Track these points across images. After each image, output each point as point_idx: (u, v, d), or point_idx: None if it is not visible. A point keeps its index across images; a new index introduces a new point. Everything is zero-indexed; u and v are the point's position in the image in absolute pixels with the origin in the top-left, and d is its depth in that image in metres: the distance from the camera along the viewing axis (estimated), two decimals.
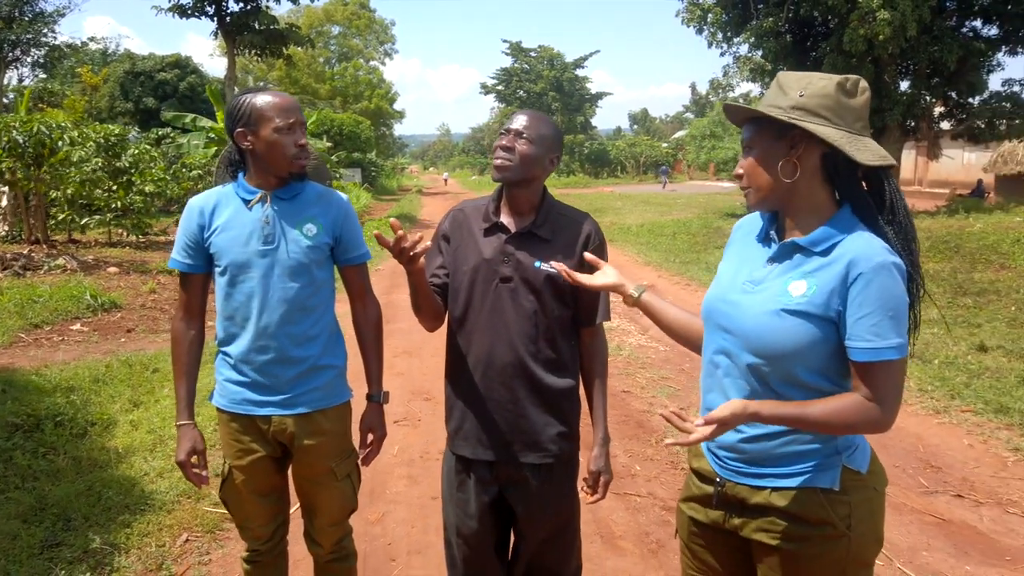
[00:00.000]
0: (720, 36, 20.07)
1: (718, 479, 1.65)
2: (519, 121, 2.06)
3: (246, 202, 2.10)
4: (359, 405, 2.31)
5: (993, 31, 18.86)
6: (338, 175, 23.08)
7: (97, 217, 13.41)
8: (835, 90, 1.48)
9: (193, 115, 22.10)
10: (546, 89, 47.64)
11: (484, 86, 53.30)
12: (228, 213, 2.10)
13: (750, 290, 1.58)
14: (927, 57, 17.98)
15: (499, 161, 2.04)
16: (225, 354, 2.15)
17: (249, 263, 2.07)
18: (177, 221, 16.04)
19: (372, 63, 53.63)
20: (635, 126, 67.06)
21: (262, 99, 2.04)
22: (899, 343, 1.41)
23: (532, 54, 49.80)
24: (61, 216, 12.29)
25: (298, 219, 2.11)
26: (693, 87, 59.72)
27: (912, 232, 1.51)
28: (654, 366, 6.35)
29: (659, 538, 3.44)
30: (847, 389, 1.50)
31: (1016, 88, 19.38)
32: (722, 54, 21.07)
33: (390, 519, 3.62)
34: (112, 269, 10.54)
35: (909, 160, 30.01)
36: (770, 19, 18.62)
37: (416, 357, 6.36)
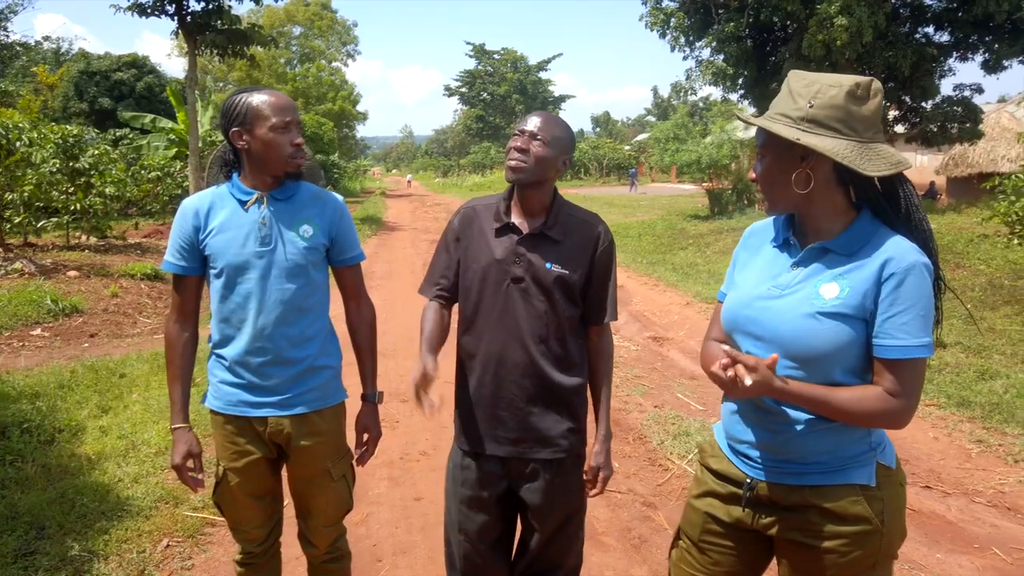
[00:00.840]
0: (683, 40, 20.32)
1: (749, 479, 1.64)
2: (533, 123, 2.06)
3: (242, 203, 2.08)
4: (352, 405, 2.32)
5: (945, 37, 19.45)
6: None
7: (55, 220, 13.06)
8: (845, 99, 1.47)
9: (153, 116, 21.72)
10: (510, 91, 47.77)
11: (447, 88, 53.22)
12: (224, 214, 2.08)
13: (778, 295, 1.58)
14: (883, 62, 18.47)
15: (513, 162, 2.05)
16: (220, 356, 2.13)
17: (246, 264, 2.06)
18: (136, 225, 15.70)
19: (335, 64, 53.11)
20: (597, 129, 67.62)
21: (258, 98, 2.02)
22: (928, 342, 1.45)
23: (496, 56, 49.88)
24: (17, 219, 11.94)
25: (294, 220, 2.11)
26: (655, 90, 60.41)
27: (929, 232, 1.53)
28: (627, 365, 6.41)
29: (641, 533, 3.49)
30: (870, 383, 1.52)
31: (967, 93, 20.00)
32: (685, 58, 21.40)
33: (374, 520, 3.60)
34: (72, 273, 10.28)
35: None
36: (731, 24, 18.94)
37: (391, 358, 6.34)
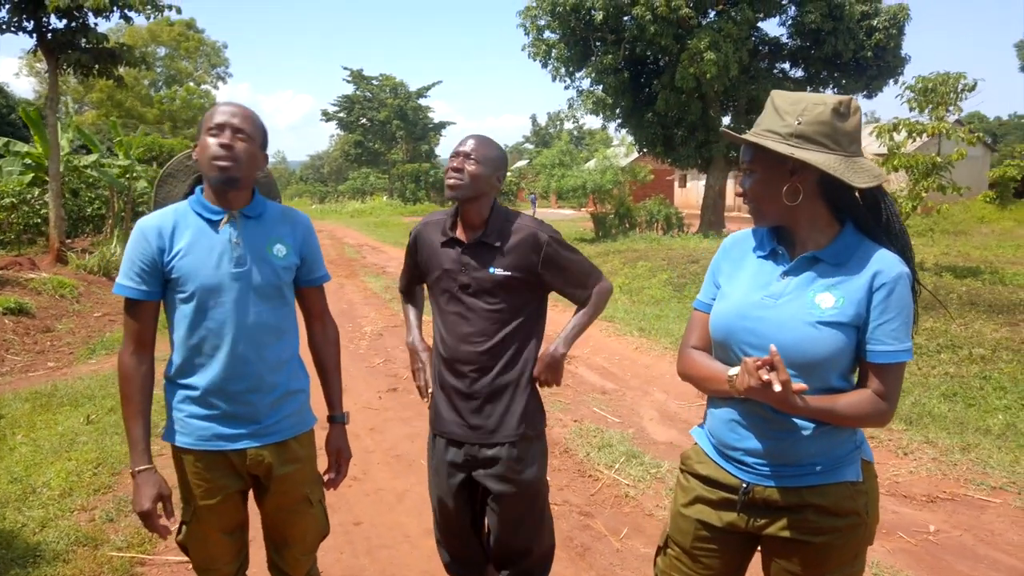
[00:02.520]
0: (563, 71, 21.11)
1: (745, 484, 1.71)
2: (468, 144, 2.33)
3: (209, 221, 1.98)
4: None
5: (799, 73, 21.22)
6: (164, 204, 21.71)
7: None
8: (831, 116, 1.58)
9: (5, 139, 20.05)
10: (390, 117, 47.53)
11: (325, 113, 52.24)
12: (190, 234, 1.97)
13: (772, 304, 1.65)
14: (746, 95, 19.92)
15: (451, 181, 2.30)
16: (188, 387, 2.00)
17: (220, 287, 1.95)
18: None
19: (204, 87, 51.11)
20: None
21: (214, 108, 1.99)
22: (910, 346, 1.60)
23: (374, 82, 49.58)
24: None
25: (267, 239, 2.05)
26: (534, 119, 61.91)
27: (908, 241, 1.67)
28: None
29: (583, 542, 3.58)
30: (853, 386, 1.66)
31: None
32: (566, 88, 22.19)
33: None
34: None
35: (730, 188, 32.79)
36: (609, 56, 19.86)
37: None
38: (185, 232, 1.97)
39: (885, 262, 1.60)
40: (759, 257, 1.76)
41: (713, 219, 21.96)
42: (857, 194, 1.67)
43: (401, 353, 7.56)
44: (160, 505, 1.98)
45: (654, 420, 5.41)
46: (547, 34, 20.71)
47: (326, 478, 2.27)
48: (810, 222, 1.67)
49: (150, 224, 1.98)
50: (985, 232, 19.82)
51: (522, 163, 57.42)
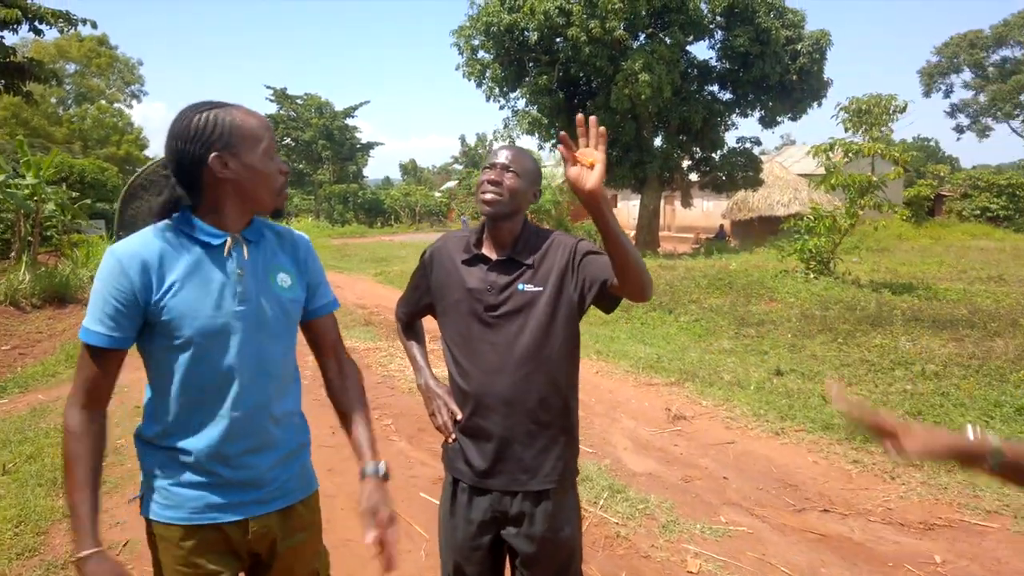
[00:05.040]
0: (497, 91, 21.03)
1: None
2: (504, 155, 2.07)
3: (207, 246, 1.61)
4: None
5: (728, 95, 21.74)
6: (80, 226, 20.52)
7: None
8: None
9: None
10: (315, 137, 46.44)
11: None
12: (184, 265, 1.59)
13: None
14: (678, 116, 20.25)
15: (489, 195, 2.01)
16: (178, 451, 1.62)
17: (225, 329, 1.60)
18: None
19: (116, 105, 48.94)
20: (405, 176, 67.82)
21: (240, 115, 1.61)
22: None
23: (299, 101, 48.49)
24: None
25: (269, 267, 1.71)
26: (463, 139, 61.68)
27: None
28: None
29: None
30: None
31: (748, 144, 22.43)
32: (501, 108, 22.10)
33: None
34: None
35: (664, 208, 33.44)
36: (544, 77, 19.88)
37: None
38: (176, 263, 1.59)
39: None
40: None
41: (648, 239, 22.18)
42: None
43: None
44: None
45: (628, 450, 5.16)
46: (481, 54, 20.60)
47: (374, 544, 1.64)
48: None
49: (130, 254, 1.56)
50: (906, 249, 20.60)
51: (451, 183, 57.21)
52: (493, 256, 2.07)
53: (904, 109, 11.00)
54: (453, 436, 2.10)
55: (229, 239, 1.63)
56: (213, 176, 1.59)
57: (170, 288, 1.56)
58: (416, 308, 2.29)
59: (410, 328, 2.39)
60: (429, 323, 2.28)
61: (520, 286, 2.01)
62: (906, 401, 6.23)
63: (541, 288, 2.00)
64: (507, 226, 2.05)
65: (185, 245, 1.61)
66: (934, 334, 8.54)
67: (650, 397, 6.51)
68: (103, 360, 1.59)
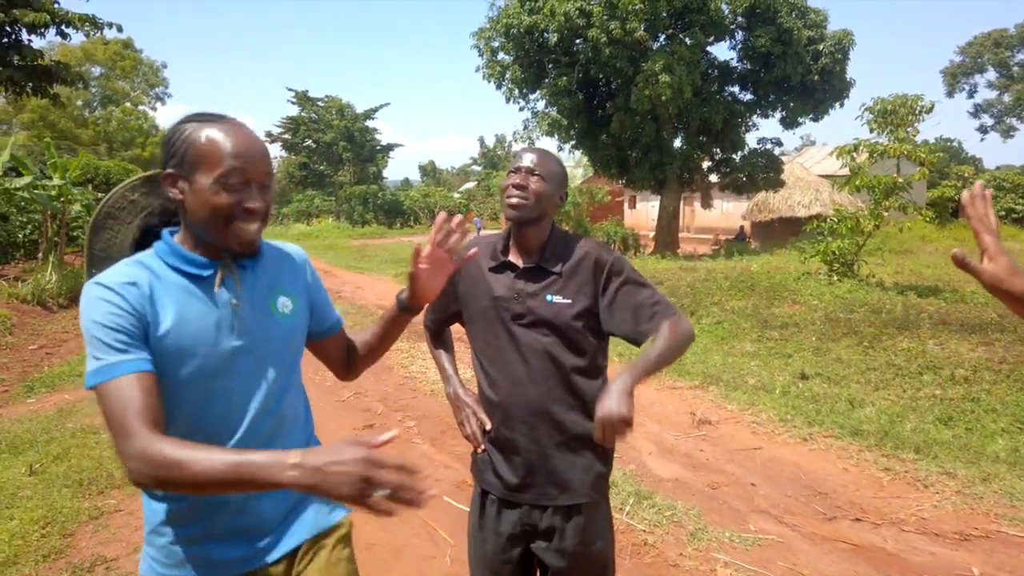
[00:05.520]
0: (517, 93, 20.99)
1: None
2: (529, 159, 2.01)
3: (193, 278, 1.45)
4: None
5: (748, 96, 21.56)
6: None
7: None
8: None
9: None
10: (336, 139, 46.73)
11: (269, 134, 51.03)
12: (174, 299, 1.42)
13: None
14: (699, 117, 20.10)
15: (514, 199, 1.97)
16: (177, 499, 1.49)
17: (224, 367, 1.45)
18: None
19: (141, 107, 49.51)
20: (425, 177, 68.05)
21: (213, 134, 1.41)
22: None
23: (320, 103, 48.78)
24: None
25: (267, 293, 1.56)
26: (481, 140, 61.83)
27: None
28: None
29: None
30: None
31: (768, 146, 22.23)
32: (520, 109, 22.07)
33: None
34: None
35: (683, 209, 33.26)
36: (563, 78, 19.83)
37: None
38: (166, 297, 1.42)
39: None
40: None
41: (668, 240, 22.04)
42: None
43: (372, 384, 7.12)
44: None
45: (654, 454, 5.12)
46: (501, 56, 20.57)
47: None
48: None
49: (119, 281, 1.38)
50: (930, 251, 20.31)
51: (470, 184, 57.28)
52: (520, 263, 2.02)
53: (931, 109, 10.84)
54: (482, 447, 2.07)
55: (220, 270, 1.48)
56: (168, 193, 1.46)
57: (162, 325, 1.39)
58: (444, 316, 2.24)
59: (438, 336, 2.34)
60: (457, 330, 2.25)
61: (548, 297, 1.96)
62: (935, 407, 6.13)
63: (570, 300, 1.95)
64: (534, 231, 2.01)
65: (172, 277, 1.44)
66: (963, 338, 8.39)
67: (674, 401, 6.45)
68: (146, 385, 1.33)
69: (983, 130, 50.71)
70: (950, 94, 50.72)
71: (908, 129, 10.89)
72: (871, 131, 11.11)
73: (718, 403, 6.30)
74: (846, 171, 11.63)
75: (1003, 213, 27.83)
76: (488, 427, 2.05)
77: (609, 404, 1.68)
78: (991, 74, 48.69)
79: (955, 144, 57.27)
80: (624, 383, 1.72)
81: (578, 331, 1.96)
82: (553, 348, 1.95)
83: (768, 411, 5.94)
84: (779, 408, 6.02)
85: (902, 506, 4.18)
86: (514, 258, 2.04)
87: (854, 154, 11.02)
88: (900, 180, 10.57)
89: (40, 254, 15.22)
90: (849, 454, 4.97)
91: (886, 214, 10.88)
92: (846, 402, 6.24)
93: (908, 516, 4.05)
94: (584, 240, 2.06)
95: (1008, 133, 49.42)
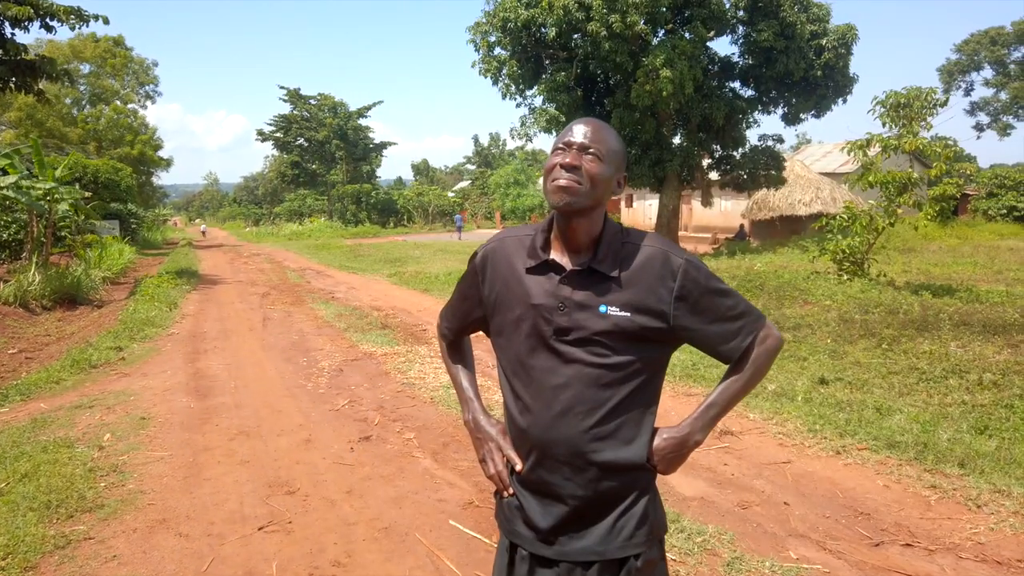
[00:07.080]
0: (514, 88, 20.59)
1: None
2: (581, 132, 1.59)
3: None
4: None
5: (750, 92, 21.21)
6: (93, 226, 20.28)
7: None
8: None
9: None
10: (329, 137, 46.26)
11: (260, 133, 50.52)
12: None
13: None
14: (699, 113, 19.74)
15: (564, 182, 1.55)
16: None
17: None
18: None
19: (131, 106, 48.82)
20: (418, 176, 67.61)
21: None
22: None
23: (312, 101, 48.30)
24: None
25: None
26: (476, 139, 61.37)
27: None
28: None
29: None
30: None
31: (770, 142, 21.90)
32: (517, 105, 21.67)
33: None
34: None
35: (683, 207, 32.92)
36: (561, 74, 19.43)
37: (257, 438, 5.25)
38: None
39: None
40: None
41: (667, 238, 21.67)
42: None
43: (368, 391, 6.71)
44: None
45: None
46: (498, 51, 20.16)
47: None
48: None
49: None
50: (934, 249, 19.99)
51: (464, 183, 56.87)
52: (567, 264, 1.62)
53: (945, 103, 10.51)
54: (510, 490, 1.70)
55: None
56: None
57: None
58: (464, 323, 1.88)
59: (455, 347, 1.97)
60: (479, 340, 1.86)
61: (602, 307, 1.57)
62: (968, 414, 5.76)
63: (629, 314, 1.56)
64: (584, 224, 1.61)
65: None
66: (986, 340, 8.04)
67: (690, 408, 6.05)
68: None
69: (979, 128, 50.56)
70: (946, 91, 50.55)
71: (922, 123, 10.53)
72: (883, 125, 10.75)
73: (739, 411, 5.91)
74: (846, 169, 11.32)
75: (1004, 211, 27.55)
76: (519, 467, 1.66)
77: (680, 433, 1.66)
78: (988, 72, 48.59)
79: (951, 142, 57.16)
80: (695, 426, 1.68)
81: (637, 350, 1.57)
82: (604, 370, 1.56)
83: (794, 420, 5.56)
84: (805, 417, 5.64)
85: (955, 529, 3.80)
86: (558, 257, 1.63)
87: (866, 149, 10.65)
88: (915, 176, 10.21)
89: (25, 254, 14.77)
90: (888, 469, 4.59)
91: (900, 211, 10.53)
92: (873, 409, 5.87)
93: (963, 540, 3.67)
94: (648, 236, 1.65)
95: (1005, 131, 49.27)
